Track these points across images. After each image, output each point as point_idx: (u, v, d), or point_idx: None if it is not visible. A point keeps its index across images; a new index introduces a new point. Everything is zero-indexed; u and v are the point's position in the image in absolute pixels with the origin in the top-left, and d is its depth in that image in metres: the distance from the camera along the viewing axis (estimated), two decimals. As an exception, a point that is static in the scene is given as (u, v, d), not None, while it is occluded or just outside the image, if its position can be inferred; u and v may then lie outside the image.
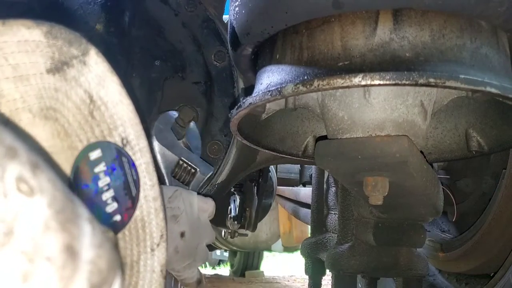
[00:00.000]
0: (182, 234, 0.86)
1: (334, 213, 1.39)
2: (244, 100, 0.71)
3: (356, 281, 1.18)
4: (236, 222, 1.91)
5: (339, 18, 0.65)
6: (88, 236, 0.33)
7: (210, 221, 0.97)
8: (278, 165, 2.33)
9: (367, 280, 1.20)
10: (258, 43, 0.76)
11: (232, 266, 5.18)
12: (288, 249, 4.25)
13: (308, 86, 0.60)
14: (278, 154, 0.93)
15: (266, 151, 0.92)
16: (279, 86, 0.64)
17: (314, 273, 1.46)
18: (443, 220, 1.58)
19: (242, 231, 2.08)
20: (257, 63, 0.79)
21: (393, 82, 0.56)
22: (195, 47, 1.13)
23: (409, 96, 0.72)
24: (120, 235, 0.51)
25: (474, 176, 1.40)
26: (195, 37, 1.13)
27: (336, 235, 1.25)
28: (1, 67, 0.41)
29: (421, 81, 0.56)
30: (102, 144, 0.47)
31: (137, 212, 0.52)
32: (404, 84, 0.57)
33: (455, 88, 0.58)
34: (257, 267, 4.92)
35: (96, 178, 0.47)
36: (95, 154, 0.47)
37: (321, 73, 0.64)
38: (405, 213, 0.98)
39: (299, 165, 2.42)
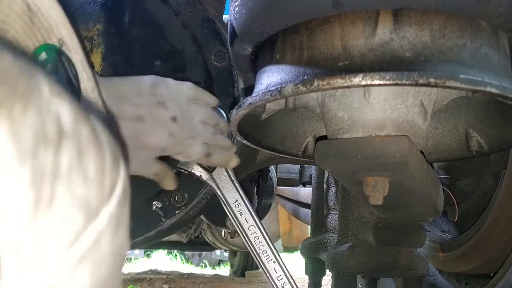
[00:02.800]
0: (174, 119, 0.89)
1: (334, 213, 1.39)
2: (244, 100, 0.71)
3: (356, 281, 1.18)
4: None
5: (339, 18, 0.65)
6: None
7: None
8: (278, 165, 2.33)
9: (367, 280, 1.20)
10: (258, 43, 0.76)
11: (232, 266, 5.18)
12: (288, 249, 4.25)
13: (308, 86, 0.60)
14: (278, 154, 0.93)
15: (266, 151, 0.92)
16: (279, 86, 0.64)
17: (314, 273, 1.46)
18: (443, 220, 1.58)
19: (242, 231, 2.08)
20: (257, 63, 0.79)
21: (393, 82, 0.56)
22: (195, 47, 1.13)
23: (409, 96, 0.72)
24: None
25: (474, 176, 1.40)
26: (195, 37, 1.13)
27: (336, 235, 1.25)
28: None
29: (421, 81, 0.56)
30: (44, 47, 0.50)
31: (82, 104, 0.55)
32: (404, 84, 0.57)
33: (455, 88, 0.58)
34: (257, 267, 4.92)
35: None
36: (41, 57, 0.50)
37: (321, 73, 0.64)
38: (405, 213, 0.98)
39: (299, 165, 2.42)
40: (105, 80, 0.87)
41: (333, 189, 1.42)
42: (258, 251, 0.95)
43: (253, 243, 0.95)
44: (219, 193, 0.97)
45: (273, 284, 0.93)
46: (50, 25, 0.51)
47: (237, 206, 0.96)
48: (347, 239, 1.16)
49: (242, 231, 0.95)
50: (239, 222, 0.95)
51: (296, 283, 0.95)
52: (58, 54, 0.51)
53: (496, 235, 1.24)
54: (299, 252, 1.63)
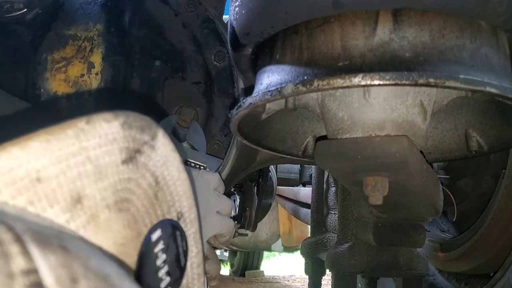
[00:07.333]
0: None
1: (334, 213, 1.39)
2: (244, 100, 0.71)
3: (356, 281, 1.18)
4: (236, 222, 1.91)
5: (339, 18, 0.65)
6: None
7: None
8: (278, 165, 2.34)
9: (367, 280, 1.20)
10: (258, 43, 0.76)
11: (232, 266, 5.18)
12: (288, 249, 4.25)
13: (308, 86, 0.60)
14: (278, 154, 0.93)
15: (266, 151, 0.92)
16: (279, 86, 0.64)
17: (314, 273, 1.47)
18: (443, 220, 1.58)
19: (242, 231, 2.09)
20: (257, 63, 0.79)
21: (393, 82, 0.57)
22: (195, 47, 1.13)
23: (409, 96, 0.72)
24: None
25: (474, 176, 1.40)
26: (195, 37, 1.13)
27: (336, 235, 1.25)
28: (84, 167, 0.40)
29: (421, 81, 0.56)
30: (161, 224, 0.48)
31: (184, 281, 0.52)
32: (404, 84, 0.57)
33: (454, 88, 0.58)
34: (257, 267, 4.93)
35: (155, 257, 0.47)
36: (156, 235, 0.47)
37: (321, 73, 0.64)
38: (405, 213, 0.98)
39: (299, 165, 2.42)
40: None
41: (333, 189, 1.42)
42: None
43: None
44: None
45: None
46: (173, 198, 0.49)
47: None
48: (347, 239, 1.16)
49: None
50: None
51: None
52: (173, 229, 0.49)
53: (496, 235, 1.24)
54: (299, 252, 1.63)
